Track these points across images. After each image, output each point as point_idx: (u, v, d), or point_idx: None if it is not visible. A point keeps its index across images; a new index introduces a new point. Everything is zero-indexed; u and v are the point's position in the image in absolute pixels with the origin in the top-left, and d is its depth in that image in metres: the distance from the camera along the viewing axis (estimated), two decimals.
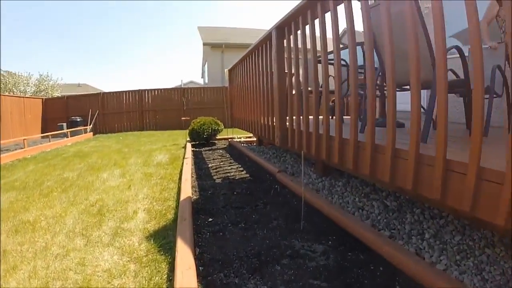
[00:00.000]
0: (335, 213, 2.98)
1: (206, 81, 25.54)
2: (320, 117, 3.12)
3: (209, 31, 24.27)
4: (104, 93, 18.83)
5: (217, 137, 9.61)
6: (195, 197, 3.90)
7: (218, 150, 8.11)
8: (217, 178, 4.91)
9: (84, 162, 7.40)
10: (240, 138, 9.93)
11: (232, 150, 8.08)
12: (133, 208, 3.76)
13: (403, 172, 1.99)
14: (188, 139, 9.47)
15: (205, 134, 8.72)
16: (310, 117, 3.38)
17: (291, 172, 5.02)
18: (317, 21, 2.98)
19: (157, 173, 5.65)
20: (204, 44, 22.12)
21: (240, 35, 23.99)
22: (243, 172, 5.31)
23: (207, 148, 8.48)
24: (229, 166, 5.91)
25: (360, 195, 3.59)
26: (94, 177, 5.67)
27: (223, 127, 9.45)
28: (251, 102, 6.18)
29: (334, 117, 2.85)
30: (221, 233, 2.79)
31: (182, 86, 20.35)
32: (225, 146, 8.89)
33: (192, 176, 4.93)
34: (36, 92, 24.79)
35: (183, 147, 9.10)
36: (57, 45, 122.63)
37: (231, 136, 9.99)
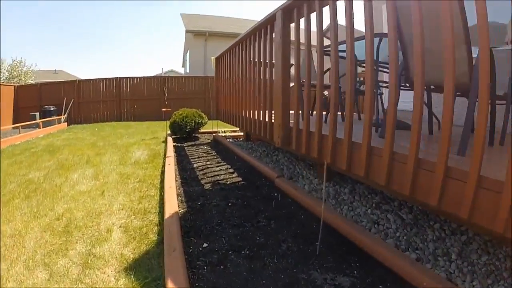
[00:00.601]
0: (356, 234, 2.48)
1: (188, 71, 24.62)
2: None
3: (193, 18, 23.35)
4: (79, 80, 17.80)
5: (200, 131, 8.95)
6: (182, 210, 3.28)
7: (203, 146, 7.48)
8: (206, 183, 4.30)
9: (54, 159, 6.66)
10: (225, 132, 9.32)
11: (218, 146, 7.47)
12: (107, 223, 3.12)
13: (427, 187, 1.79)
14: (169, 132, 8.78)
15: (188, 127, 8.06)
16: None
17: (288, 176, 4.51)
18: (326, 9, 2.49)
19: (135, 175, 5.01)
20: (187, 31, 21.19)
21: (225, 24, 23.19)
22: (234, 175, 4.72)
23: (190, 143, 7.83)
24: (217, 166, 5.30)
25: (371, 205, 3.22)
26: (63, 178, 4.99)
27: (207, 120, 8.80)
28: (241, 94, 5.66)
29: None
30: (221, 266, 2.19)
31: (163, 75, 19.42)
32: (210, 141, 8.26)
33: (176, 180, 4.31)
34: (9, 78, 23.46)
35: (163, 141, 8.43)
36: (32, 30, 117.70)
37: (215, 130, 9.36)
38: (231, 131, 9.43)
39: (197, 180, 4.42)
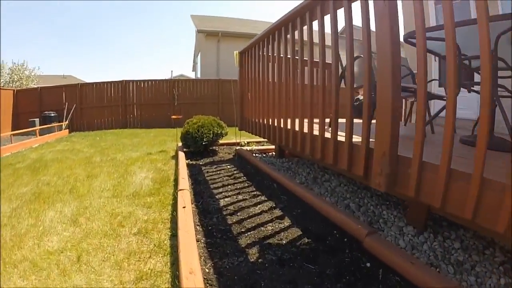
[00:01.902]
0: None
1: (199, 75, 22.94)
2: None
3: (204, 19, 21.71)
4: (82, 84, 16.21)
5: (218, 142, 7.21)
6: None
7: (225, 165, 5.73)
8: (248, 245, 2.53)
9: (34, 182, 5.00)
10: (249, 144, 7.57)
11: (245, 164, 5.73)
12: None
13: None
14: (180, 144, 7.06)
15: (205, 140, 6.31)
16: None
17: (365, 220, 2.82)
18: None
19: (132, 219, 3.27)
20: (198, 32, 19.49)
21: (239, 24, 21.52)
22: (287, 223, 2.96)
23: (207, 161, 6.10)
24: (256, 204, 3.54)
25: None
26: (33, 219, 3.33)
27: (227, 130, 7.04)
28: (279, 99, 4.07)
29: None
30: None
31: (172, 78, 17.75)
32: (232, 156, 6.53)
33: (197, 239, 2.55)
34: (9, 83, 21.99)
35: (173, 157, 6.72)
36: (43, 34, 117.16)
37: (236, 141, 7.63)
38: (255, 142, 7.69)
39: (232, 238, 2.64)
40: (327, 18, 2.83)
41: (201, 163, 5.92)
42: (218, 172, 5.22)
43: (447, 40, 1.71)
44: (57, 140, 11.62)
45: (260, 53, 4.96)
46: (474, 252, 2.37)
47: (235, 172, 5.19)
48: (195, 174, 5.04)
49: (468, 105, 5.98)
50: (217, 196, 3.82)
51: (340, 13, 2.62)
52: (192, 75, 33.47)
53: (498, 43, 2.61)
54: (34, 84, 22.53)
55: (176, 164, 5.74)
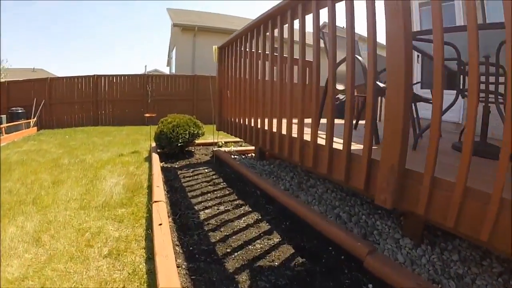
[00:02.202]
0: None
1: (173, 70, 22.29)
2: None
3: (180, 13, 21.07)
4: (52, 78, 15.37)
5: (195, 142, 6.84)
6: None
7: (202, 168, 5.40)
8: (236, 269, 2.21)
9: None
10: (227, 145, 7.25)
11: (224, 168, 5.42)
12: None
13: None
14: (154, 144, 6.65)
15: (180, 141, 5.93)
16: None
17: (358, 231, 2.63)
18: None
19: (102, 236, 2.89)
20: (174, 25, 18.82)
21: (216, 20, 21.02)
22: (276, 240, 2.67)
23: (183, 163, 5.74)
24: (240, 217, 3.22)
25: None
26: None
27: (204, 130, 6.68)
28: (261, 98, 3.87)
29: None
30: None
31: (146, 73, 17.11)
32: (209, 158, 6.19)
33: (178, 266, 2.22)
34: None
35: (146, 159, 6.33)
36: (10, 25, 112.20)
37: (212, 141, 7.27)
38: (233, 142, 7.37)
39: (218, 261, 2.32)
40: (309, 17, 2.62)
41: (176, 166, 5.56)
42: (196, 177, 4.88)
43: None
44: (24, 139, 10.89)
45: (241, 49, 4.65)
46: (473, 263, 2.30)
47: (214, 177, 4.87)
48: (171, 179, 4.68)
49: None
50: (196, 207, 3.48)
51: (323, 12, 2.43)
52: (166, 71, 32.71)
53: (500, 49, 2.50)
54: (2, 78, 21.30)
55: (150, 168, 5.36)
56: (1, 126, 11.93)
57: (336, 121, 2.50)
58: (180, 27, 18.53)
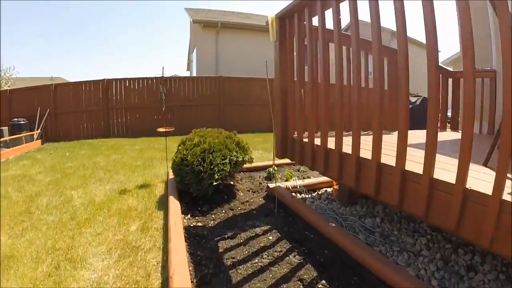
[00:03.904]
0: None
1: (194, 74, 19.91)
2: None
3: (199, 12, 18.69)
4: (57, 84, 13.13)
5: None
6: None
7: (259, 231, 2.96)
8: None
9: None
10: (279, 168, 4.74)
11: (298, 227, 3.04)
12: None
13: None
14: (171, 176, 4.18)
15: (217, 176, 3.41)
16: None
17: None
18: None
19: None
20: (194, 22, 16.31)
21: (239, 17, 18.58)
22: None
23: (222, 216, 3.32)
24: None
25: None
26: None
27: (252, 154, 4.15)
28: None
29: None
30: None
31: (164, 76, 14.76)
32: (262, 200, 3.73)
33: None
34: None
35: (159, 203, 3.88)
36: (30, 35, 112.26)
37: (257, 165, 4.77)
38: (285, 164, 4.87)
39: None
40: None
41: (212, 224, 3.11)
42: (256, 259, 2.40)
43: None
44: (20, 156, 8.65)
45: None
46: None
47: (291, 256, 2.40)
48: (204, 263, 2.25)
49: None
50: None
51: None
52: (187, 75, 30.48)
53: None
54: (8, 87, 19.40)
55: (166, 231, 2.90)
56: (7, 138, 10.04)
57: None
58: (201, 24, 16.07)
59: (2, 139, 9.96)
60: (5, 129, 11.44)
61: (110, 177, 5.52)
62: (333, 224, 2.86)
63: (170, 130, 5.18)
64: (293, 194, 3.86)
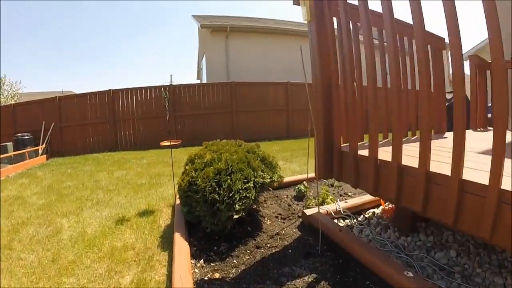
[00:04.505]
0: None
1: (205, 81, 19.11)
2: None
3: (207, 17, 17.95)
4: (61, 97, 12.44)
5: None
6: None
7: (300, 286, 2.02)
8: None
9: None
10: (309, 183, 3.84)
11: (355, 272, 2.08)
12: None
13: None
14: (178, 202, 3.29)
15: (238, 207, 2.51)
16: None
17: None
18: None
19: None
20: (202, 27, 15.53)
21: (247, 21, 17.78)
22: None
23: (246, 260, 2.43)
24: None
25: None
26: None
27: (281, 172, 3.25)
28: None
29: None
30: None
31: (172, 83, 13.90)
32: (296, 232, 2.85)
33: None
34: None
35: (163, 237, 3.02)
36: (38, 48, 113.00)
37: (286, 180, 3.89)
38: (316, 178, 3.98)
39: None
40: None
41: (233, 274, 2.23)
42: None
43: None
44: (20, 174, 7.93)
45: None
46: None
47: None
48: None
49: None
50: None
51: None
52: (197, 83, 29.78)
53: None
54: (15, 101, 18.88)
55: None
56: (12, 153, 9.56)
57: None
58: (209, 29, 15.26)
59: (5, 155, 9.35)
60: (10, 144, 10.86)
61: (110, 200, 4.68)
62: (410, 274, 1.96)
63: (176, 143, 4.32)
64: (335, 221, 2.97)
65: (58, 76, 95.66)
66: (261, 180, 2.72)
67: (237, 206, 2.46)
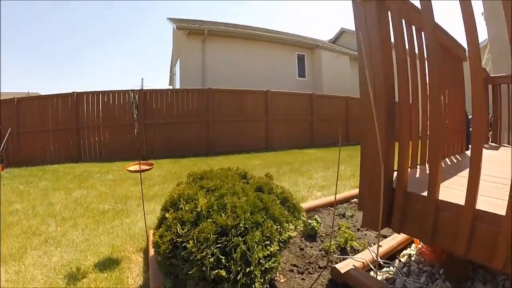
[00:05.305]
0: None
1: (178, 87, 17.93)
2: None
3: (184, 20, 16.83)
4: (20, 98, 10.98)
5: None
6: None
7: None
8: None
9: None
10: (317, 211, 2.93)
11: None
12: None
13: None
14: (151, 248, 2.29)
15: (257, 284, 1.54)
16: None
17: None
18: None
19: None
20: (178, 29, 14.38)
21: (226, 26, 16.84)
22: None
23: None
24: None
25: None
26: None
27: (305, 216, 2.33)
28: None
29: None
30: None
31: (143, 88, 12.54)
32: None
33: None
34: None
35: None
36: (9, 51, 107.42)
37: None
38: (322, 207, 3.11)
39: None
40: None
41: None
42: None
43: None
44: None
45: None
46: None
47: None
48: None
49: None
50: None
51: None
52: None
53: None
54: None
55: None
56: None
57: None
58: (185, 31, 14.15)
59: None
60: None
61: (63, 236, 3.60)
62: None
63: (147, 169, 3.34)
64: (371, 273, 2.12)
65: (24, 77, 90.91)
66: (287, 234, 1.79)
67: (256, 284, 1.52)
